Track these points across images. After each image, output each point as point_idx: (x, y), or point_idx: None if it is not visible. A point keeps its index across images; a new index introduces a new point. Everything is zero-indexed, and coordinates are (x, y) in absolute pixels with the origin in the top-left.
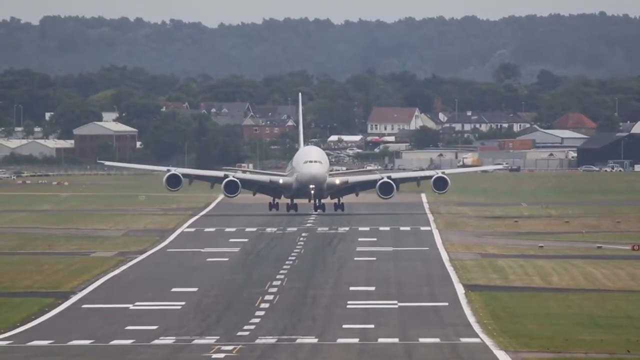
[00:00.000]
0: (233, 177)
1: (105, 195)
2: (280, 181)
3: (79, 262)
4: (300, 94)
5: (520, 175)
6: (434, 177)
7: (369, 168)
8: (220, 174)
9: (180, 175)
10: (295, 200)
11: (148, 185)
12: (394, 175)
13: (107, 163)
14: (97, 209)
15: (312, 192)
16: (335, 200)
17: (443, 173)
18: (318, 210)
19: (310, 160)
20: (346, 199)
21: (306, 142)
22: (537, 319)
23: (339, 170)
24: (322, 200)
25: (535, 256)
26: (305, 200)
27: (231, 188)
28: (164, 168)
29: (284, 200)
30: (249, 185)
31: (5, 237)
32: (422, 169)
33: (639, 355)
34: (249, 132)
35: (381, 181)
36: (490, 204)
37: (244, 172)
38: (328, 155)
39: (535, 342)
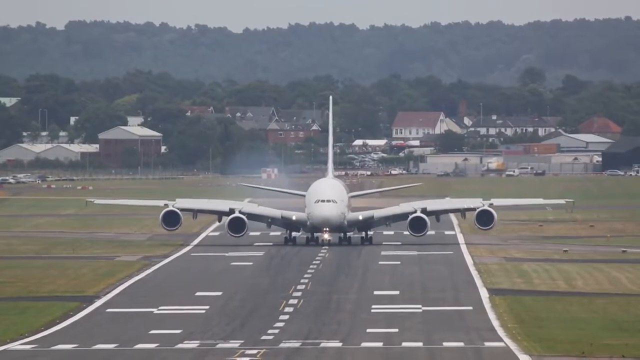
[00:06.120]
0: (239, 212)
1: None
2: (294, 217)
3: (104, 266)
4: (331, 97)
5: (545, 179)
6: (477, 210)
7: (393, 172)
8: (225, 207)
9: (179, 212)
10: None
11: (173, 190)
12: (430, 206)
13: (96, 201)
14: (122, 213)
15: (326, 235)
16: (362, 234)
17: (490, 206)
18: (343, 243)
19: (323, 200)
20: (366, 201)
21: (334, 148)
22: (562, 323)
23: (363, 174)
24: (348, 234)
25: (560, 260)
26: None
27: (237, 226)
28: (161, 202)
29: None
30: (260, 219)
31: (30, 241)
32: (447, 174)
33: None
34: (273, 136)
35: (413, 216)
36: (515, 207)
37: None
38: (352, 160)
39: (560, 346)
